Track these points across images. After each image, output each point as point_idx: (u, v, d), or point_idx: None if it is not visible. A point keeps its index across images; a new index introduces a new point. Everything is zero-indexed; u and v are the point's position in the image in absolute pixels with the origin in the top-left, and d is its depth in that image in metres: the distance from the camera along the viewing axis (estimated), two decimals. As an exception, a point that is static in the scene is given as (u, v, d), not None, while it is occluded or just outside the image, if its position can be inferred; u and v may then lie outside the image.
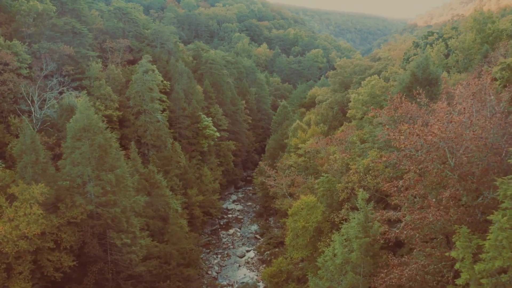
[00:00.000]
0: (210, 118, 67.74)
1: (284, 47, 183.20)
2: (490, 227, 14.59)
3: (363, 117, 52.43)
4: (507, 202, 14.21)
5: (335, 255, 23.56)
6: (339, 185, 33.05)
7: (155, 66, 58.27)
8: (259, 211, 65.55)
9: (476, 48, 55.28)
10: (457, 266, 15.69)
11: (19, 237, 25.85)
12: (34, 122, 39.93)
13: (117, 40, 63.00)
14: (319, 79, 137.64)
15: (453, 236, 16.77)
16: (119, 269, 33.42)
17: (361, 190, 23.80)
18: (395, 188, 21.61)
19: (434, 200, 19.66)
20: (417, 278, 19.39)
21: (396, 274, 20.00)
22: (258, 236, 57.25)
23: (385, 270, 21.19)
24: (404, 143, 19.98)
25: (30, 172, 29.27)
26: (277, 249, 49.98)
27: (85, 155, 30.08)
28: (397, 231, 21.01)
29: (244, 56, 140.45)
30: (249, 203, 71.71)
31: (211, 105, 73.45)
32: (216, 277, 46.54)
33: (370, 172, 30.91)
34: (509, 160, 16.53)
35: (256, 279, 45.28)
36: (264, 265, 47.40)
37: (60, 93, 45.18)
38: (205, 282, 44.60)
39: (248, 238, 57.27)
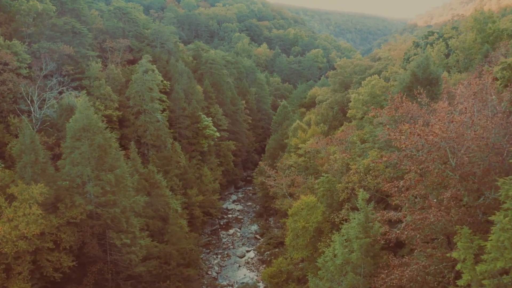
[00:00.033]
0: (210, 118, 67.67)
1: (284, 47, 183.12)
2: (491, 228, 14.50)
3: (363, 117, 52.35)
4: (509, 203, 14.12)
5: (335, 255, 23.47)
6: (339, 185, 32.96)
7: (155, 66, 58.19)
8: (259, 211, 65.46)
9: (477, 48, 55.18)
10: (458, 267, 15.60)
11: (18, 237, 25.78)
12: (34, 122, 39.84)
13: (117, 40, 62.91)
14: (319, 79, 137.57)
15: (454, 236, 16.68)
16: (119, 269, 33.34)
17: (361, 190, 23.71)
18: (396, 189, 21.52)
19: (435, 200, 19.56)
20: (418, 279, 19.30)
21: (396, 275, 19.91)
22: (258, 236, 57.17)
23: (386, 271, 21.10)
24: (405, 143, 19.88)
25: (30, 172, 29.20)
26: (277, 249, 49.90)
27: (85, 155, 30.00)
28: (397, 231, 20.92)
29: (244, 56, 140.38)
30: (249, 203, 71.63)
31: (211, 105, 73.38)
32: (216, 277, 46.46)
33: (371, 172, 30.82)
34: (510, 160, 16.46)
35: (256, 279, 45.19)
36: (264, 266, 47.31)
37: (60, 93, 45.08)
38: (205, 282, 44.52)
39: (248, 238, 57.18)
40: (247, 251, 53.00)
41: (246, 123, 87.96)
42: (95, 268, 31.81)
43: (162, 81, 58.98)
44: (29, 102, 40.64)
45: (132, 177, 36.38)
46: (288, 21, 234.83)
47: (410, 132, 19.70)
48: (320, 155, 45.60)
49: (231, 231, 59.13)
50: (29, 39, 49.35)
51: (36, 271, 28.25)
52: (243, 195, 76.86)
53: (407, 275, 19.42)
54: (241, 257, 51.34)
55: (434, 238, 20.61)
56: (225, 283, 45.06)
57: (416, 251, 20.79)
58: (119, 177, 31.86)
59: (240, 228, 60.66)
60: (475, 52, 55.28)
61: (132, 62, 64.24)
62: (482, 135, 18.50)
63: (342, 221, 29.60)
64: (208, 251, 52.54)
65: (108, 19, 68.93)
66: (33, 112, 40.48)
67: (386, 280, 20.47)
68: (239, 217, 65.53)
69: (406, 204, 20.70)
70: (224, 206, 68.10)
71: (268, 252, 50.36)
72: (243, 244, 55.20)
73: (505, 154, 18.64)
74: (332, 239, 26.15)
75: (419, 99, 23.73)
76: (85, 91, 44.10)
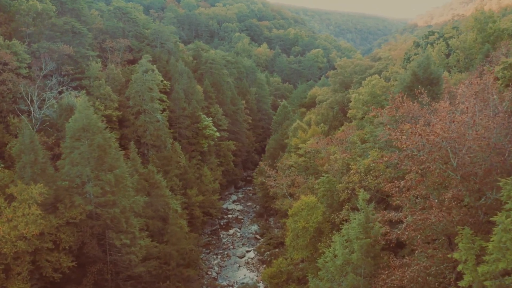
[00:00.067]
0: (210, 118, 67.57)
1: (284, 47, 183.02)
2: (493, 228, 14.39)
3: (364, 117, 52.25)
4: (510, 203, 14.03)
5: (335, 256, 23.37)
6: (340, 185, 32.86)
7: (155, 66, 58.06)
8: (259, 211, 65.36)
9: (477, 47, 55.08)
10: (460, 268, 15.49)
11: (17, 237, 25.69)
12: (33, 122, 39.75)
13: (117, 39, 62.82)
14: (319, 79, 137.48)
15: (456, 237, 16.58)
16: (119, 269, 33.24)
17: (361, 190, 23.61)
18: (397, 189, 21.40)
19: (436, 201, 19.45)
20: (418, 279, 19.20)
21: (397, 276, 19.81)
22: (258, 237, 57.08)
23: (386, 272, 21.00)
24: (405, 143, 19.78)
25: (29, 172, 29.10)
26: (277, 250, 49.79)
27: (84, 155, 29.91)
28: (398, 232, 20.81)
29: (244, 56, 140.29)
30: (249, 203, 71.53)
31: (211, 105, 73.28)
32: (216, 277, 46.37)
33: (371, 172, 30.71)
34: (512, 161, 16.34)
35: (256, 279, 45.09)
36: (264, 266, 47.22)
37: (60, 92, 44.98)
38: (205, 282, 44.43)
39: (248, 238, 57.09)
40: (247, 251, 52.90)
41: (246, 123, 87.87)
42: (94, 269, 31.70)
43: (162, 81, 58.88)
44: (28, 102, 40.55)
45: (131, 177, 36.28)
46: (288, 21, 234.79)
47: (411, 132, 19.60)
48: (321, 155, 45.49)
49: (231, 231, 59.03)
50: (28, 39, 49.26)
51: (36, 272, 28.15)
52: (243, 195, 76.77)
53: (408, 276, 19.32)
54: (241, 257, 51.25)
55: (435, 239, 20.51)
56: (225, 283, 44.96)
57: (417, 251, 20.69)
58: (119, 177, 31.76)
59: (240, 228, 60.57)
60: (475, 52, 55.19)
61: (132, 62, 64.15)
62: (484, 135, 18.39)
63: (342, 222, 29.50)
64: (208, 251, 52.44)
65: (108, 19, 68.84)
66: (32, 112, 40.39)
67: (386, 281, 20.37)
68: (239, 217, 65.44)
69: (407, 205, 20.59)
70: (224, 206, 68.00)
71: (268, 253, 50.26)
72: (243, 244, 55.10)
73: (506, 154, 18.54)
74: (333, 240, 26.05)
75: (420, 99, 23.63)
76: (85, 91, 43.94)
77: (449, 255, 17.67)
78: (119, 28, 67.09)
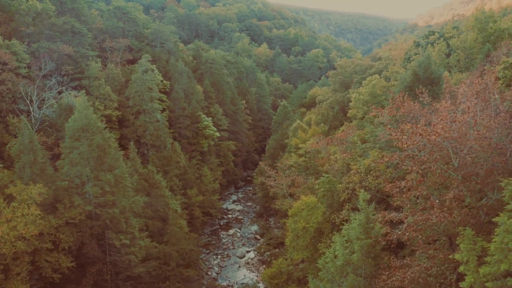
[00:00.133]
0: (210, 118, 67.48)
1: (285, 47, 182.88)
2: (495, 229, 14.28)
3: (364, 117, 52.14)
4: (512, 204, 13.92)
5: (335, 256, 23.27)
6: (340, 185, 32.75)
7: (154, 65, 57.96)
8: (259, 212, 65.26)
9: (478, 47, 54.95)
10: (461, 269, 15.38)
11: (16, 238, 25.60)
12: (33, 122, 39.66)
13: (117, 39, 62.72)
14: (320, 79, 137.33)
15: (457, 238, 16.47)
16: (118, 270, 33.15)
17: (362, 190, 23.52)
18: (397, 189, 21.27)
19: (437, 201, 19.33)
20: (419, 280, 19.09)
21: (398, 276, 19.70)
22: (258, 237, 56.97)
23: (387, 272, 20.89)
24: (406, 143, 19.67)
25: (28, 172, 29.02)
26: (277, 250, 49.69)
27: (84, 155, 29.82)
28: (399, 232, 20.69)
29: (244, 56, 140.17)
30: (249, 203, 71.43)
31: (211, 105, 73.18)
32: (216, 278, 46.27)
33: (372, 172, 30.60)
34: (514, 161, 16.23)
35: (256, 280, 44.99)
36: (264, 266, 47.12)
37: (59, 92, 44.89)
38: (205, 283, 44.32)
39: (248, 238, 56.99)
40: (247, 252, 52.80)
41: (246, 123, 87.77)
42: (94, 269, 31.63)
43: (162, 81, 58.80)
44: (28, 102, 40.46)
45: (131, 177, 36.21)
46: (289, 21, 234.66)
47: (412, 132, 19.50)
48: (321, 155, 45.38)
49: (231, 232, 58.93)
50: (28, 39, 49.17)
51: (35, 272, 28.07)
52: (243, 195, 76.67)
53: (408, 277, 19.20)
54: (241, 258, 51.14)
55: (436, 240, 20.40)
56: (225, 283, 44.85)
57: (417, 252, 20.58)
58: (119, 177, 31.68)
59: (240, 229, 60.46)
60: (476, 51, 55.07)
61: (132, 62, 64.05)
62: (485, 135, 18.28)
63: (342, 222, 29.38)
64: (208, 251, 52.34)
65: (108, 18, 68.74)
66: (32, 112, 40.30)
67: (387, 281, 20.26)
68: (239, 217, 65.33)
69: (408, 205, 20.47)
70: (224, 206, 67.91)
71: (268, 253, 50.16)
72: (243, 245, 55.00)
73: (508, 154, 18.43)
74: (333, 240, 25.95)
75: (421, 99, 23.52)
76: (84, 91, 43.82)
77: (450, 256, 17.57)
78: (119, 28, 67.00)
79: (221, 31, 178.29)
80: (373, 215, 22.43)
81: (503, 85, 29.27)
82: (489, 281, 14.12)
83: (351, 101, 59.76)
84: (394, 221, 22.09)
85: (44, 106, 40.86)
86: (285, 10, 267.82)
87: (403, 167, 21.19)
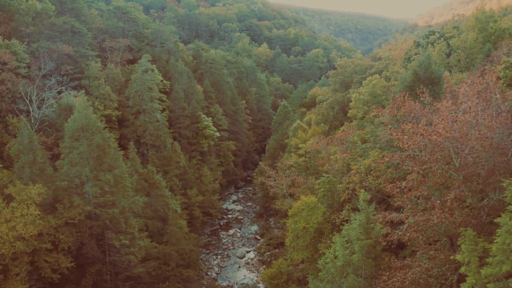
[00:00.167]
0: (210, 118, 67.40)
1: (285, 47, 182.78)
2: (497, 230, 14.19)
3: (364, 116, 52.06)
4: (514, 204, 13.82)
5: (336, 257, 23.17)
6: (340, 185, 32.66)
7: (154, 65, 57.88)
8: (259, 212, 65.18)
9: (478, 47, 54.87)
10: (462, 270, 15.28)
11: (16, 238, 25.52)
12: (32, 121, 39.57)
13: (117, 39, 62.64)
14: (320, 79, 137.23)
15: (458, 238, 16.37)
16: (118, 270, 33.07)
17: (362, 190, 23.42)
18: (398, 189, 21.17)
19: (438, 201, 19.23)
20: (420, 281, 18.99)
21: (399, 277, 19.59)
22: (258, 237, 56.88)
23: (387, 273, 20.78)
24: (407, 143, 19.56)
25: (28, 172, 28.93)
26: (277, 250, 49.60)
27: (83, 155, 29.74)
28: (400, 233, 20.59)
29: (245, 56, 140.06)
30: (249, 204, 71.34)
31: (211, 105, 73.10)
32: (215, 278, 46.17)
33: (372, 172, 30.51)
34: (515, 161, 16.13)
35: (256, 280, 44.90)
36: (264, 266, 47.03)
37: (59, 92, 44.81)
38: (205, 283, 44.24)
39: (248, 238, 56.90)
40: (247, 252, 52.71)
41: (246, 123, 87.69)
42: (93, 269, 31.55)
43: (161, 80, 58.72)
44: (27, 101, 40.36)
45: (131, 177, 36.13)
46: (289, 21, 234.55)
47: (412, 132, 19.39)
48: (321, 155, 45.30)
49: (231, 232, 58.84)
50: (28, 39, 49.09)
51: (34, 272, 27.98)
52: (243, 195, 76.58)
53: (409, 278, 19.11)
54: (241, 258, 51.05)
55: (437, 240, 20.30)
56: (225, 284, 44.76)
57: (418, 253, 20.48)
58: (118, 177, 31.60)
59: (240, 229, 60.37)
60: (476, 51, 54.97)
61: (132, 61, 63.97)
62: (486, 134, 18.19)
63: (343, 222, 29.29)
64: (208, 251, 52.25)
65: (108, 18, 68.67)
66: (31, 112, 40.21)
67: (387, 282, 20.15)
68: (239, 217, 65.24)
69: (408, 205, 20.37)
70: (224, 206, 67.81)
71: (268, 253, 50.07)
72: (243, 245, 54.91)
73: (510, 154, 18.33)
74: (333, 240, 25.84)
75: (421, 98, 23.42)
76: (84, 91, 43.74)
77: (451, 257, 17.48)
78: (119, 28, 66.92)
79: (221, 31, 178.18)
80: (374, 215, 22.33)
81: (504, 84, 29.19)
82: (491, 282, 14.02)
83: (351, 101, 59.66)
84: (394, 222, 22.00)
85: (44, 106, 40.77)
86: (285, 10, 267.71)
87: (404, 167, 21.09)
